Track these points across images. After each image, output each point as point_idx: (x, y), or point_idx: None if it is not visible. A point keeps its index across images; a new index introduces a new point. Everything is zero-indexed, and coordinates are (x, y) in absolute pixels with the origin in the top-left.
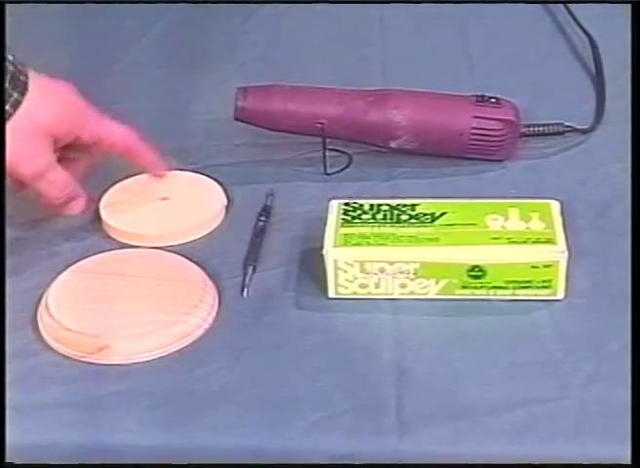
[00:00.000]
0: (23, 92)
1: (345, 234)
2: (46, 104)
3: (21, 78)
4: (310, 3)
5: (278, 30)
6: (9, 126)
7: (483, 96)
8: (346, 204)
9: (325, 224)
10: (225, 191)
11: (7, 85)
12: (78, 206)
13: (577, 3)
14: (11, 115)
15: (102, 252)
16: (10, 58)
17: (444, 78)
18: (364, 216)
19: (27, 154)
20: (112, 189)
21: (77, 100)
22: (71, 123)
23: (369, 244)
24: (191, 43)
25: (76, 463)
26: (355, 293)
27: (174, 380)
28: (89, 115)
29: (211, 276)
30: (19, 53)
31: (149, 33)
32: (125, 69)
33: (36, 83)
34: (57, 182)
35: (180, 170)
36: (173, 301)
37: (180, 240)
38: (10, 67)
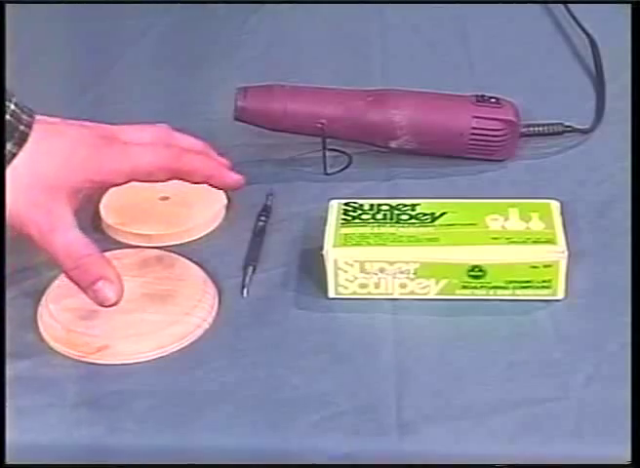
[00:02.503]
0: (21, 143)
1: (345, 234)
2: (44, 156)
3: (20, 128)
4: (310, 3)
5: (278, 30)
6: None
7: (483, 96)
8: (346, 204)
9: (325, 224)
10: (225, 191)
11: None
12: (106, 290)
13: (577, 3)
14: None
15: (102, 252)
16: (11, 106)
17: (444, 78)
18: (364, 216)
19: (28, 214)
20: (112, 189)
21: (84, 142)
22: (78, 170)
23: (369, 244)
24: (191, 43)
25: (76, 463)
26: (355, 293)
27: (174, 380)
28: (104, 155)
29: (211, 276)
30: (19, 53)
31: (149, 33)
32: (125, 69)
33: (37, 132)
34: (65, 248)
35: None
36: (173, 301)
37: (179, 240)
38: (7, 116)
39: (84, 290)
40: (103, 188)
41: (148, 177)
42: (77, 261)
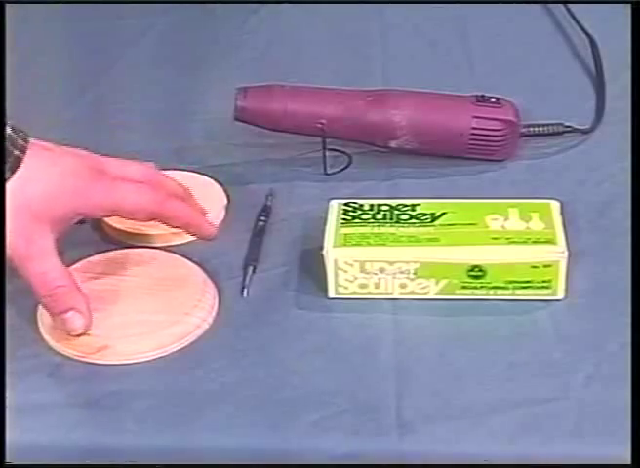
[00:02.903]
0: (14, 169)
1: (345, 234)
2: (34, 183)
3: (15, 153)
4: (310, 3)
5: (278, 30)
6: None
7: (483, 96)
8: (346, 204)
9: (325, 224)
10: (225, 191)
11: None
12: (75, 321)
13: (577, 3)
14: None
15: (102, 252)
16: (7, 129)
17: (444, 78)
18: (364, 216)
19: (10, 238)
20: None
21: (76, 173)
22: (67, 201)
23: (369, 244)
24: (191, 43)
25: (76, 463)
26: (355, 293)
27: (174, 380)
28: (92, 189)
29: (211, 276)
30: (19, 53)
31: (149, 33)
32: (125, 69)
33: (30, 158)
34: (39, 277)
35: (181, 170)
36: (173, 301)
37: (179, 240)
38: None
39: (53, 317)
40: (88, 218)
41: (130, 216)
42: (50, 291)
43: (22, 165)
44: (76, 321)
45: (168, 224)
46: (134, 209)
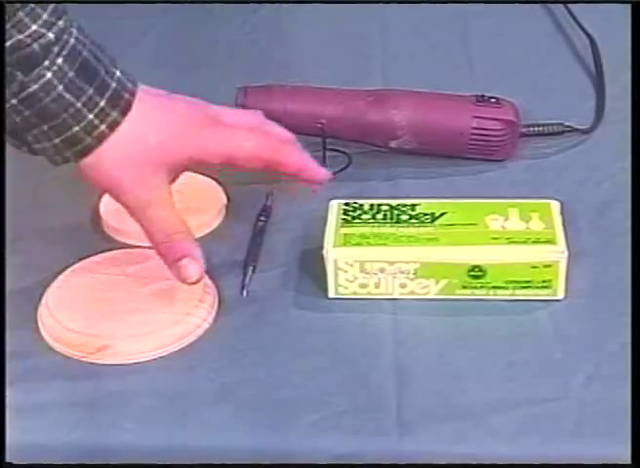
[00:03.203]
0: (125, 111)
1: (345, 234)
2: (149, 128)
3: (125, 96)
4: (310, 3)
5: (278, 30)
6: (104, 149)
7: (483, 96)
8: (346, 204)
9: (325, 224)
10: (225, 191)
11: (104, 103)
12: (190, 268)
13: (577, 3)
14: (107, 136)
15: (102, 252)
16: (117, 72)
17: (444, 78)
18: (364, 216)
19: (127, 184)
20: None
21: (191, 119)
22: (182, 147)
23: (369, 244)
24: (191, 43)
25: (76, 463)
26: (355, 293)
27: (174, 380)
28: (209, 135)
29: (211, 276)
30: None
31: (149, 33)
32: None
33: (143, 103)
34: (158, 223)
35: None
36: (173, 301)
37: None
38: (112, 83)
39: (169, 265)
40: (201, 167)
41: (245, 163)
42: (168, 237)
43: (139, 110)
44: (191, 268)
45: (281, 172)
46: (249, 155)
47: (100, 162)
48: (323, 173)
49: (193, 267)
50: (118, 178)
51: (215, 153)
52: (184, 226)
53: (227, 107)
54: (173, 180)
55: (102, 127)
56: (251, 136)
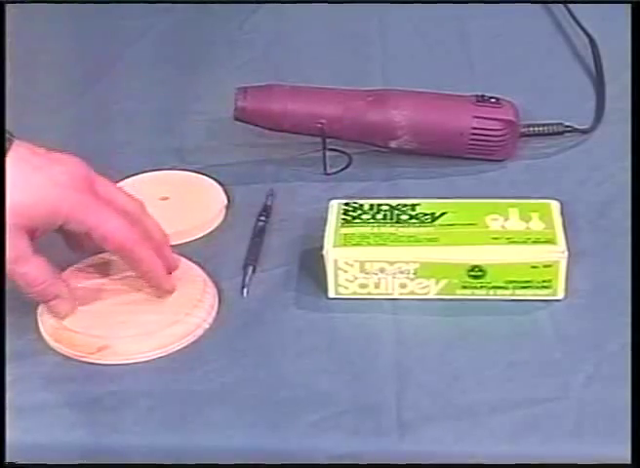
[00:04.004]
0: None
1: (345, 234)
2: (13, 188)
3: None
4: (310, 3)
5: (278, 30)
6: None
7: (483, 96)
8: (346, 204)
9: (325, 224)
10: (225, 191)
11: None
12: (60, 307)
13: (577, 3)
14: None
15: (103, 252)
16: None
17: (444, 78)
18: (364, 216)
19: None
20: None
21: (61, 183)
22: (44, 210)
23: (369, 244)
24: (191, 43)
25: (76, 463)
26: (355, 293)
27: (174, 380)
28: (75, 203)
29: (211, 276)
30: (19, 53)
31: (149, 33)
32: (125, 69)
33: (13, 162)
34: (27, 275)
35: (181, 170)
36: (173, 301)
37: (179, 240)
38: None
39: (44, 306)
40: (60, 231)
41: (99, 241)
42: (33, 288)
43: (10, 168)
44: (60, 307)
45: (127, 265)
46: (106, 236)
47: None
48: (164, 289)
49: (63, 305)
50: None
51: (77, 220)
52: (46, 274)
53: (111, 182)
54: (42, 234)
55: None
56: (116, 217)
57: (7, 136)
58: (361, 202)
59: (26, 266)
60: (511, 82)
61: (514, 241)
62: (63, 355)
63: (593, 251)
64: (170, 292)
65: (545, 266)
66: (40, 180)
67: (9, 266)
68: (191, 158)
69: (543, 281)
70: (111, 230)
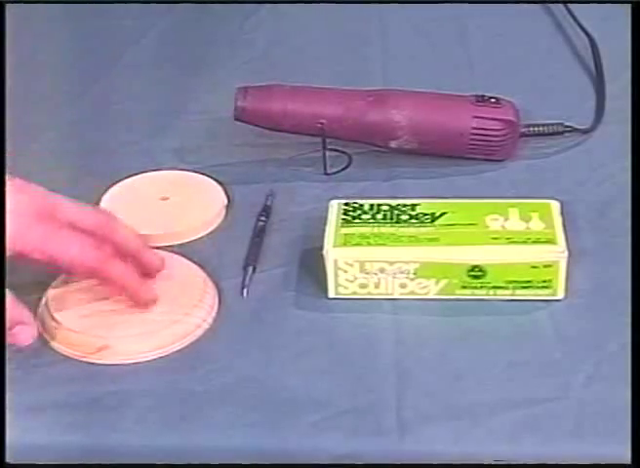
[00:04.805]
0: None
1: (345, 234)
2: None
3: None
4: (310, 3)
5: (278, 30)
6: None
7: (483, 96)
8: (346, 204)
9: (325, 224)
10: (225, 191)
11: None
12: (23, 336)
13: (577, 3)
14: None
15: None
16: None
17: (444, 78)
18: (364, 216)
19: None
20: (112, 189)
21: (17, 212)
22: (9, 241)
23: (369, 244)
24: (191, 43)
25: (76, 463)
26: (355, 293)
27: (174, 380)
28: (33, 232)
29: (211, 276)
30: (19, 53)
31: (149, 33)
32: (125, 69)
33: None
34: None
35: (181, 170)
36: (173, 301)
37: (179, 240)
38: None
39: (7, 338)
40: (26, 260)
41: (67, 268)
42: None
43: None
44: (23, 333)
45: (105, 286)
46: (72, 262)
47: None
48: (147, 296)
49: (25, 332)
50: None
51: (37, 250)
52: (15, 308)
53: (74, 204)
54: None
55: None
56: (79, 241)
57: None
58: (361, 202)
59: None
60: (511, 82)
61: (514, 241)
62: (63, 355)
63: (593, 251)
64: (152, 301)
65: (545, 266)
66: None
67: None
68: (191, 158)
69: (543, 281)
70: (75, 256)
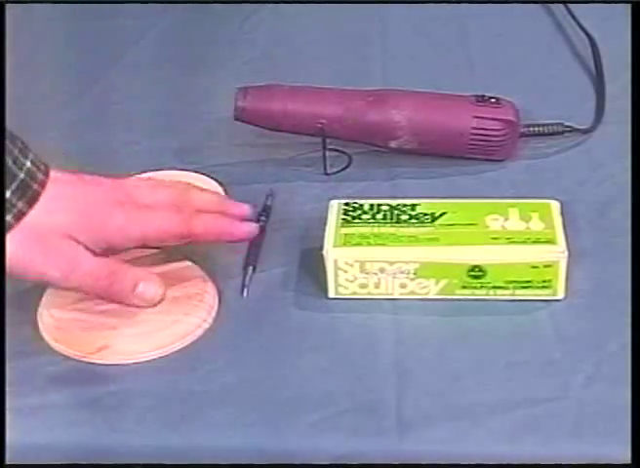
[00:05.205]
0: (32, 203)
1: (345, 234)
2: (56, 218)
3: (34, 187)
4: (310, 3)
5: (278, 30)
6: (11, 236)
7: (483, 96)
8: (346, 204)
9: (325, 224)
10: (225, 191)
11: (10, 194)
12: (149, 291)
13: (577, 3)
14: (12, 226)
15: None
16: (27, 163)
17: (444, 78)
18: (364, 216)
19: (48, 258)
20: None
21: (100, 205)
22: (91, 234)
23: (369, 244)
24: (191, 43)
25: (76, 463)
26: (355, 293)
27: (174, 380)
28: (115, 220)
29: (211, 276)
30: (19, 53)
31: (149, 33)
32: (125, 69)
33: (52, 192)
34: (92, 274)
35: (181, 170)
36: (173, 301)
37: None
38: (20, 174)
39: (129, 301)
40: (117, 250)
41: (160, 243)
42: (107, 279)
43: (42, 199)
44: (150, 289)
45: (203, 242)
46: (160, 235)
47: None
48: (245, 229)
49: (150, 287)
50: (31, 259)
51: (124, 237)
52: (115, 262)
53: (147, 184)
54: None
55: (8, 217)
56: (159, 214)
57: (43, 168)
58: (361, 202)
59: (90, 262)
60: (511, 82)
61: (514, 241)
62: (63, 355)
63: (593, 251)
64: (250, 233)
65: (545, 266)
66: (79, 208)
67: (68, 277)
68: (191, 158)
69: (543, 281)
70: (160, 229)
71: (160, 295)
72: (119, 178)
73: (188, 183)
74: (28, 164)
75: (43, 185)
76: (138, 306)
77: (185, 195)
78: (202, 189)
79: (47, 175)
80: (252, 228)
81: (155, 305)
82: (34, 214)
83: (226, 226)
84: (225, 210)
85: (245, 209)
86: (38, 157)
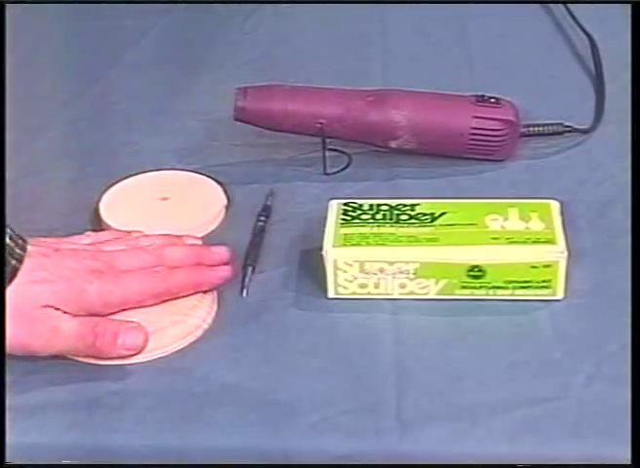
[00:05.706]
0: (11, 278)
1: (345, 234)
2: (34, 296)
3: (12, 263)
4: (310, 3)
5: (278, 30)
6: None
7: (483, 96)
8: (346, 204)
9: (325, 224)
10: (225, 191)
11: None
12: (131, 340)
13: (577, 3)
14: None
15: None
16: (6, 239)
17: (444, 78)
18: (364, 216)
19: (30, 329)
20: (112, 189)
21: (77, 278)
22: (70, 309)
23: (368, 244)
24: (191, 43)
25: (76, 463)
26: (355, 294)
27: (174, 380)
28: (94, 289)
29: None
30: (19, 53)
31: (149, 33)
32: (125, 69)
33: (30, 269)
34: (77, 334)
35: (180, 170)
36: (173, 301)
37: None
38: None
39: (116, 352)
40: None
41: (140, 304)
42: (92, 333)
43: (19, 275)
44: (131, 338)
45: (182, 296)
46: (140, 299)
47: None
48: (220, 275)
49: (129, 336)
50: (16, 333)
51: (106, 304)
52: (97, 317)
53: (121, 244)
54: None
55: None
56: (137, 277)
57: (20, 243)
58: (361, 202)
59: (71, 322)
60: (511, 82)
61: (514, 241)
62: (63, 355)
63: (593, 251)
64: (226, 278)
65: (545, 266)
66: (57, 282)
67: (51, 341)
68: (191, 158)
69: (543, 281)
70: (141, 291)
71: (142, 341)
72: (96, 243)
73: (167, 235)
74: (7, 240)
75: (21, 261)
76: (125, 356)
77: (161, 255)
78: (177, 243)
79: (24, 249)
80: (227, 273)
81: (140, 352)
82: (12, 290)
83: (202, 277)
84: (202, 260)
85: (222, 252)
86: (16, 232)
